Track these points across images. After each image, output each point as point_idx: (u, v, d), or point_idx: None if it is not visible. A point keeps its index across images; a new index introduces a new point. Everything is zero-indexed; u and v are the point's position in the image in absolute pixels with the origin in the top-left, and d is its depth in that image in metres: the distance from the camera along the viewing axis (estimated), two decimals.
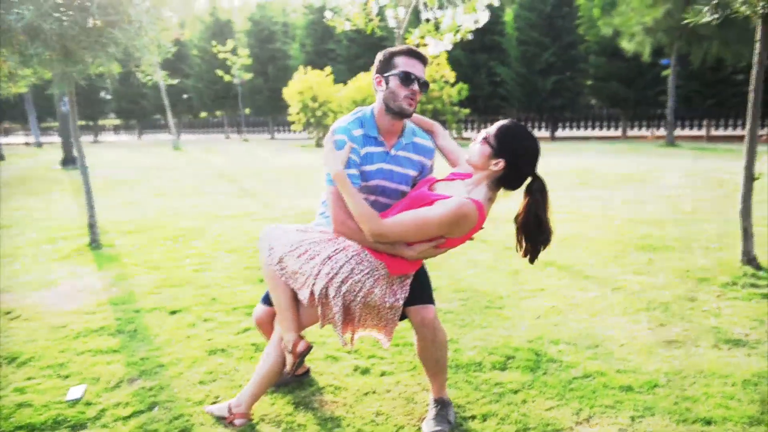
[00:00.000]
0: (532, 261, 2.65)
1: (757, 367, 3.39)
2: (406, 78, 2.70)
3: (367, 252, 2.67)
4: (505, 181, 2.59)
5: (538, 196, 2.56)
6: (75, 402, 3.23)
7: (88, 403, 3.22)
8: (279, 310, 2.84)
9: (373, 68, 2.83)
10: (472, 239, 2.70)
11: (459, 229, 2.53)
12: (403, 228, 2.55)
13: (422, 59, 2.75)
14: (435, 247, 2.62)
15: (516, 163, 2.54)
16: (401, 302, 2.74)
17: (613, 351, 3.68)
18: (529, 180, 2.60)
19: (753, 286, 4.70)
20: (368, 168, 2.77)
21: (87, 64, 5.60)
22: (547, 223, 2.57)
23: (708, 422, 2.88)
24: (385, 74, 2.74)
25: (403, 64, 2.71)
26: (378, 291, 2.67)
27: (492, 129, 2.59)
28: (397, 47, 2.79)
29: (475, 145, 2.61)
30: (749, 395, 3.11)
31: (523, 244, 2.63)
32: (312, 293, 2.69)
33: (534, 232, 2.59)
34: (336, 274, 2.63)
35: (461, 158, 2.94)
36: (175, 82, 7.24)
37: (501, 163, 2.53)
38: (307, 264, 2.67)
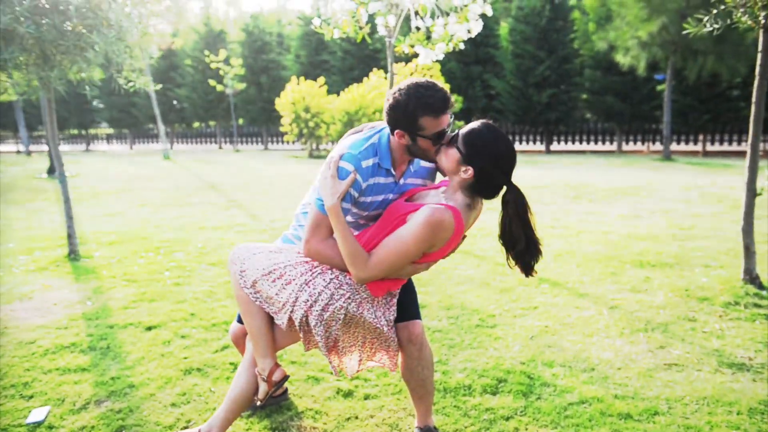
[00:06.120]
0: (526, 275, 2.48)
1: (762, 394, 3.20)
2: (439, 138, 2.43)
3: (345, 275, 2.48)
4: (478, 189, 2.41)
5: (511, 209, 2.38)
6: (36, 425, 3.03)
7: (51, 427, 3.02)
8: (252, 335, 2.64)
9: (387, 112, 2.45)
10: (453, 251, 2.52)
11: (438, 240, 2.35)
12: (388, 264, 2.37)
13: (449, 107, 2.41)
14: (414, 263, 2.44)
15: (486, 170, 2.35)
16: (392, 324, 2.59)
17: (610, 375, 3.49)
18: (504, 190, 2.42)
19: (756, 306, 4.51)
20: (372, 198, 2.56)
21: (65, 69, 5.41)
22: (526, 239, 2.39)
23: None
24: (411, 134, 2.42)
25: (432, 125, 2.38)
26: (368, 315, 2.50)
27: (462, 130, 2.40)
28: (417, 100, 2.36)
29: (446, 149, 2.43)
30: (756, 425, 2.92)
31: (510, 258, 2.46)
32: (291, 320, 2.50)
33: (512, 246, 2.42)
34: (315, 301, 2.45)
35: None
36: (158, 87, 7.02)
37: (470, 171, 2.35)
38: (283, 290, 2.49)
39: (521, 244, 2.39)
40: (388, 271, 2.39)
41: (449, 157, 2.40)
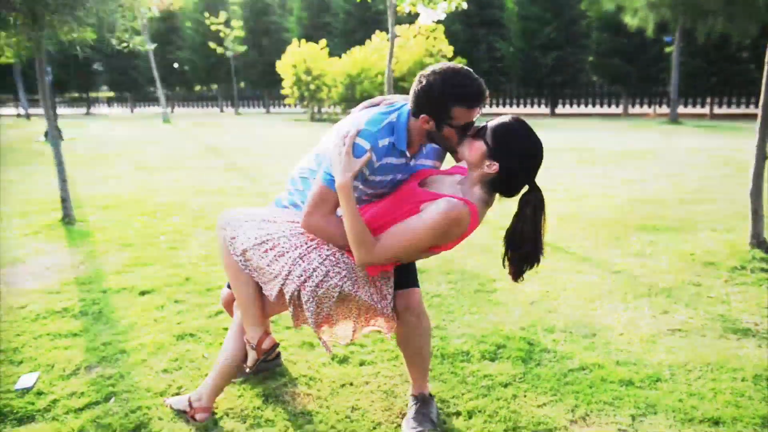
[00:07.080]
0: (514, 279, 2.36)
1: None
2: (466, 129, 2.29)
3: (343, 252, 2.38)
4: (499, 186, 2.29)
5: (529, 211, 2.26)
6: (25, 391, 2.97)
7: (39, 393, 2.96)
8: (241, 303, 2.55)
9: (416, 94, 2.28)
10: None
11: (452, 234, 2.26)
12: (395, 251, 2.26)
13: (484, 99, 2.26)
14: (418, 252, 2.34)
15: (512, 169, 2.23)
16: (390, 297, 2.50)
17: (611, 341, 3.41)
18: (525, 189, 2.29)
19: (763, 270, 4.41)
20: (382, 178, 2.41)
21: (55, 29, 5.25)
22: (533, 243, 2.28)
23: (716, 422, 2.62)
24: (438, 121, 2.27)
25: (462, 116, 2.24)
26: (363, 294, 2.40)
27: (492, 124, 2.25)
28: (453, 87, 2.22)
29: (472, 140, 2.29)
30: (761, 392, 2.84)
31: (508, 258, 2.34)
32: (281, 292, 2.40)
33: (516, 248, 2.31)
34: (309, 277, 2.34)
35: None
36: (153, 47, 6.85)
37: (495, 166, 2.22)
38: (275, 262, 2.38)
39: (526, 248, 2.29)
40: (394, 257, 2.30)
41: (475, 149, 2.26)
